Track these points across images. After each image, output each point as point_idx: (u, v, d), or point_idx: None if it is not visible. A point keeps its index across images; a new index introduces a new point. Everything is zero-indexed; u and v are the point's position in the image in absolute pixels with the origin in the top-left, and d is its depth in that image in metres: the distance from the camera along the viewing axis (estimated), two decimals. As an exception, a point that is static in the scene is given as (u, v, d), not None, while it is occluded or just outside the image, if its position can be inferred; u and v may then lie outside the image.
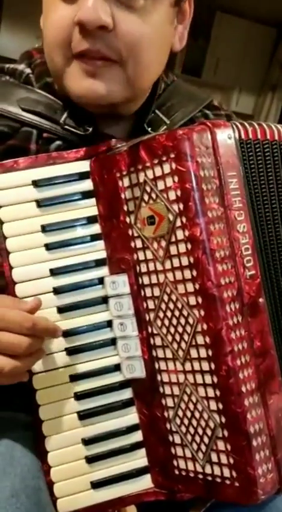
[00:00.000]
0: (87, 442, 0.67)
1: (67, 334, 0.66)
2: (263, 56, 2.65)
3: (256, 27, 2.51)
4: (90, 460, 0.67)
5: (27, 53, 0.77)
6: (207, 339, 0.59)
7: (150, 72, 0.70)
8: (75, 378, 0.67)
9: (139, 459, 0.68)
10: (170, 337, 0.63)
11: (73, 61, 0.66)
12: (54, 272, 0.67)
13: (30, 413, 0.70)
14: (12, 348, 0.59)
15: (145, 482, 0.68)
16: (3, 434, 0.70)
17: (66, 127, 0.70)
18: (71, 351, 0.67)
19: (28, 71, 0.74)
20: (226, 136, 0.60)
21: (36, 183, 0.67)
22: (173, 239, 0.60)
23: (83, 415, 0.67)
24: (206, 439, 0.61)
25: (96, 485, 0.67)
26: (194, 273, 0.59)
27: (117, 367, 0.67)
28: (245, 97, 2.82)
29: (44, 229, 0.67)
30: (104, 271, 0.68)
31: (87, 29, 0.62)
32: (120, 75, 0.66)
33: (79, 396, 0.67)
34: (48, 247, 0.67)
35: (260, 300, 0.61)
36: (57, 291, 0.66)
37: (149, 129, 0.74)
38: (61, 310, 0.66)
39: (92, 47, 0.63)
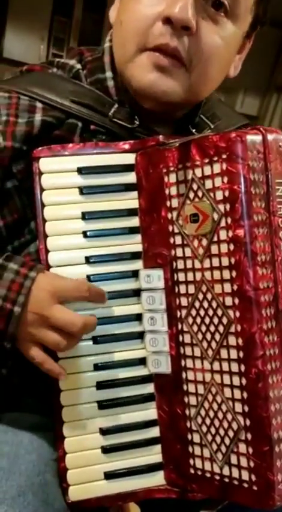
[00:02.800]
0: (105, 432, 0.67)
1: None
2: (268, 57, 2.65)
3: (261, 28, 2.50)
4: (106, 450, 0.67)
5: (77, 50, 0.78)
6: (240, 341, 0.59)
7: (209, 85, 0.72)
8: (99, 367, 0.67)
9: (154, 455, 0.68)
10: (200, 336, 0.63)
11: (145, 52, 0.67)
12: (89, 260, 0.67)
13: (38, 413, 0.72)
14: (67, 327, 0.61)
15: (157, 479, 0.68)
16: (9, 434, 0.71)
17: (114, 119, 0.71)
18: (98, 340, 0.67)
19: (78, 66, 0.75)
20: (277, 143, 0.61)
21: (81, 170, 0.67)
22: (215, 239, 0.60)
23: (103, 405, 0.67)
24: (227, 441, 0.61)
25: (109, 476, 0.67)
26: (234, 274, 0.59)
27: (142, 361, 0.68)
28: (250, 98, 2.82)
29: (84, 216, 0.67)
30: (138, 264, 0.68)
31: (173, 25, 0.64)
32: (184, 79, 0.67)
33: (101, 385, 0.67)
34: (86, 234, 0.67)
35: (294, 308, 0.61)
36: (90, 279, 0.67)
37: (194, 130, 0.75)
38: (92, 298, 0.67)
39: (170, 43, 0.65)
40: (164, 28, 0.65)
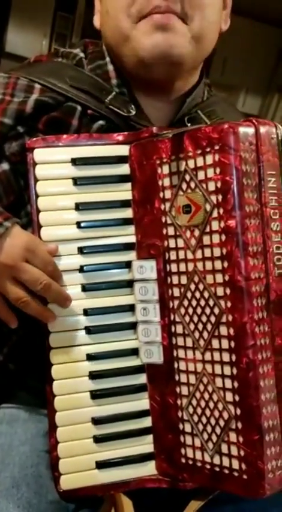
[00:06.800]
0: (97, 421, 0.67)
1: (88, 313, 0.67)
2: (270, 56, 2.66)
3: (263, 28, 2.50)
4: (98, 440, 0.67)
5: (83, 42, 0.80)
6: (231, 331, 0.60)
7: (211, 33, 0.73)
8: (92, 357, 0.67)
9: (146, 445, 0.68)
10: (192, 326, 0.63)
11: (141, 21, 0.69)
12: (83, 251, 0.67)
13: (32, 405, 0.73)
14: (33, 281, 0.62)
15: (149, 469, 0.68)
16: (3, 426, 0.72)
17: (110, 107, 0.72)
18: (90, 330, 0.67)
19: (82, 55, 0.77)
20: (270, 135, 0.61)
21: (75, 161, 0.68)
22: (208, 229, 0.61)
23: (96, 395, 0.67)
24: (218, 430, 0.61)
25: (101, 465, 0.67)
26: (225, 264, 0.59)
27: (134, 351, 0.68)
28: (252, 97, 2.82)
29: (78, 207, 0.67)
30: (131, 255, 0.68)
31: None
32: (186, 31, 0.69)
33: (94, 376, 0.67)
34: (80, 225, 0.67)
35: (286, 299, 0.62)
36: (83, 269, 0.67)
37: (189, 124, 0.75)
38: (85, 289, 0.67)
39: (161, 3, 0.67)
40: None
